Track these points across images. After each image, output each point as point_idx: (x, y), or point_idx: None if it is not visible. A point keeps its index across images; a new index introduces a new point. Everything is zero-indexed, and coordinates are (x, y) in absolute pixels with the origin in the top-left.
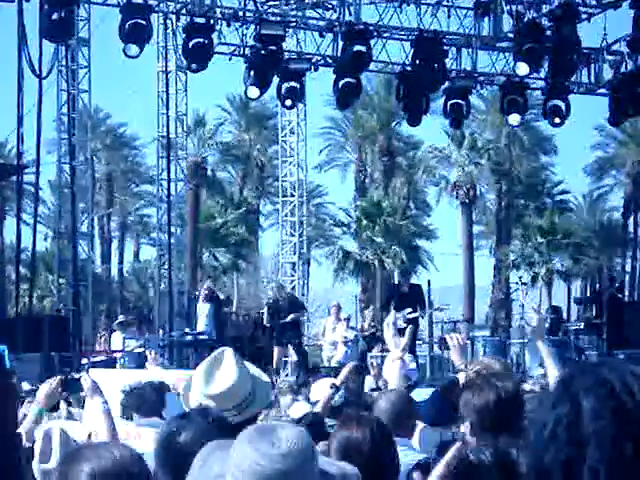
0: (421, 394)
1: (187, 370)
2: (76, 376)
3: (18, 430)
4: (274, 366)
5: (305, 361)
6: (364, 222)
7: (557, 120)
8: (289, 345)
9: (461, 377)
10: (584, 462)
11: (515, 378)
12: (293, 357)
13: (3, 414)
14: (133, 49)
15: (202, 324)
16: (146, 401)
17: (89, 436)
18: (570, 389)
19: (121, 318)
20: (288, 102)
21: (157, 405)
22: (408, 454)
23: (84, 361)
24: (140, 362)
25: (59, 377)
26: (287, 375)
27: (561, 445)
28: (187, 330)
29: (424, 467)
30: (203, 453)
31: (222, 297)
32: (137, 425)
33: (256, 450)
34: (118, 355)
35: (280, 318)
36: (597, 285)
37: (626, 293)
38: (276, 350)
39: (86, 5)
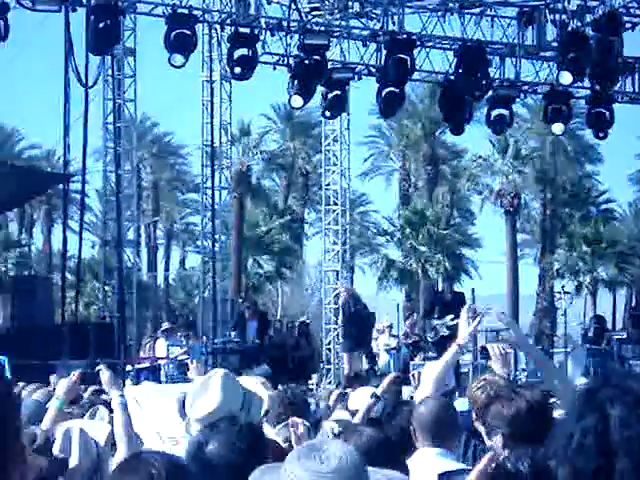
0: (463, 404)
1: None
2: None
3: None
4: (350, 373)
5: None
6: (408, 230)
7: (601, 134)
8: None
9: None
10: (614, 471)
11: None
12: (346, 365)
13: (2, 425)
14: (178, 59)
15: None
16: None
17: (109, 436)
18: (596, 399)
19: (165, 325)
20: (328, 113)
21: None
22: (443, 461)
23: (129, 368)
24: (183, 370)
25: (79, 371)
26: (330, 383)
27: (590, 455)
28: (231, 337)
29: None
30: (254, 476)
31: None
32: None
33: (305, 469)
34: (162, 362)
35: (353, 322)
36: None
37: None
38: (346, 357)
39: (132, 15)
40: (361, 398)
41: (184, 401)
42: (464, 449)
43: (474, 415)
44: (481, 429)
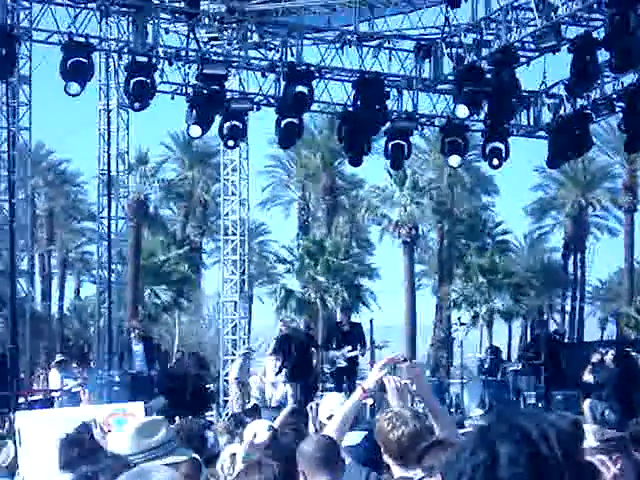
0: (353, 437)
1: (117, 404)
2: None
3: None
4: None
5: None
6: (306, 260)
7: (495, 162)
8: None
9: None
10: None
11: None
12: (290, 399)
13: None
14: (74, 87)
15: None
16: (87, 451)
17: None
18: (487, 436)
19: (59, 357)
20: (230, 142)
21: (98, 452)
22: None
23: (21, 400)
24: (77, 402)
25: None
26: (227, 415)
27: None
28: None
29: None
30: None
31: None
32: None
33: None
34: (56, 394)
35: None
36: (531, 327)
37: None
38: (290, 388)
39: (27, 43)
40: (257, 431)
41: (68, 447)
42: None
43: (383, 447)
44: (389, 461)
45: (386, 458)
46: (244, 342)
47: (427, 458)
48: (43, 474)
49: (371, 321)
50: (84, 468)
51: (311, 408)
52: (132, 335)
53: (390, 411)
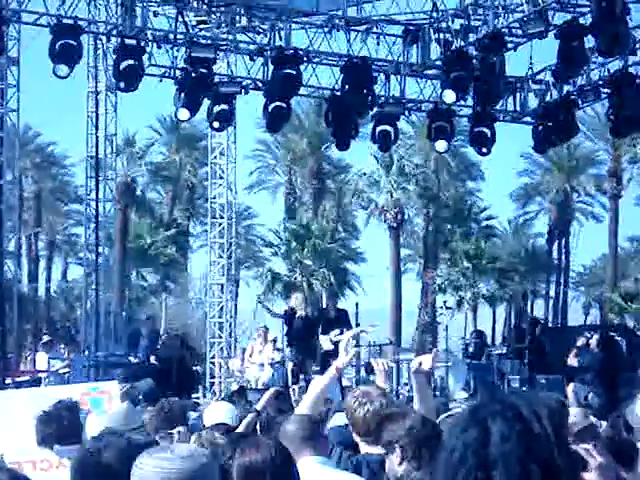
0: (341, 418)
1: (91, 383)
2: None
3: None
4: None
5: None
6: (293, 244)
7: (484, 150)
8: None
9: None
10: None
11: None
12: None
13: None
14: (63, 69)
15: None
16: (65, 428)
17: None
18: (478, 414)
19: (46, 338)
20: (216, 124)
21: (76, 430)
22: (326, 470)
23: (8, 381)
24: (64, 382)
25: None
26: (214, 395)
27: (470, 468)
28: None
29: None
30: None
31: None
32: (57, 453)
33: (156, 458)
34: (43, 375)
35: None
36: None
37: (549, 318)
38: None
39: (16, 24)
40: (217, 413)
41: (45, 423)
42: (338, 460)
43: (350, 426)
44: (357, 439)
45: (354, 435)
46: (230, 325)
47: (384, 435)
48: (18, 451)
49: (356, 305)
50: (88, 444)
51: (293, 390)
52: (143, 330)
53: (357, 389)
